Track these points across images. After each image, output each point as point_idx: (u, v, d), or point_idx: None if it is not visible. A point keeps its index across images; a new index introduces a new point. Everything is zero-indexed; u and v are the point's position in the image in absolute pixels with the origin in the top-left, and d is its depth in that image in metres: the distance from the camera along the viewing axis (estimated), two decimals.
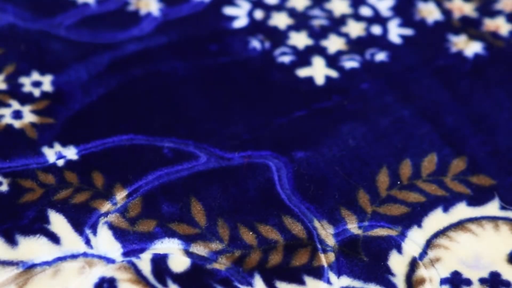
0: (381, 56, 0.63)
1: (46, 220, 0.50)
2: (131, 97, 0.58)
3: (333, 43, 0.64)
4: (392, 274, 0.48)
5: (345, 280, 0.48)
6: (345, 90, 0.60)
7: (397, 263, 0.49)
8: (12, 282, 0.46)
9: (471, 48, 0.64)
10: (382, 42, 0.64)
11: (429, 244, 0.50)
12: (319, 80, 0.61)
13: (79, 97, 0.58)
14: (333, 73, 0.61)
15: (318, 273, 0.48)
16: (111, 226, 0.50)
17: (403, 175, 0.54)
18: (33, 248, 0.48)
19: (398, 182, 0.53)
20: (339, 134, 0.56)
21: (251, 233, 0.50)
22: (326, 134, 0.56)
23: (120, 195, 0.51)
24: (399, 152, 0.55)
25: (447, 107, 0.59)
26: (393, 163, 0.54)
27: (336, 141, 0.56)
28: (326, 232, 0.50)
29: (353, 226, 0.51)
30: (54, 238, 0.49)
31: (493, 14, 0.68)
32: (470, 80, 0.61)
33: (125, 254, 0.48)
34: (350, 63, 0.62)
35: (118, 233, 0.49)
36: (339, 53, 0.63)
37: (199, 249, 0.49)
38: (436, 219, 0.51)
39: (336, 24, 0.66)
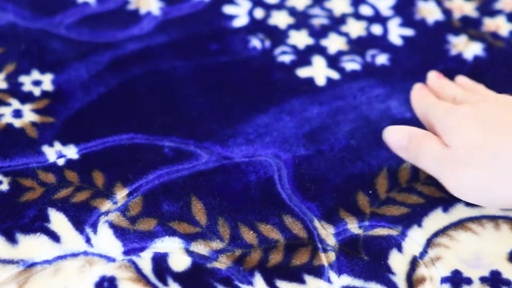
0: (382, 59, 0.63)
1: (47, 219, 0.50)
2: (131, 96, 0.58)
3: (334, 43, 0.64)
4: (393, 273, 0.48)
5: (346, 279, 0.48)
6: (346, 93, 0.60)
7: (398, 262, 0.49)
8: (13, 280, 0.46)
9: (471, 49, 0.64)
10: (382, 42, 0.64)
11: (429, 243, 0.50)
12: (320, 81, 0.61)
13: (79, 96, 0.58)
14: (334, 75, 0.61)
15: (319, 272, 0.48)
16: (112, 225, 0.50)
17: (401, 177, 0.54)
18: (33, 246, 0.48)
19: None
20: (340, 134, 0.56)
21: (251, 232, 0.50)
22: (327, 135, 0.56)
23: (121, 194, 0.51)
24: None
25: None
26: (393, 165, 0.54)
27: (337, 141, 0.56)
28: (327, 232, 0.50)
29: (353, 226, 0.51)
30: (55, 237, 0.49)
31: (493, 13, 0.68)
32: None
33: (126, 252, 0.48)
34: (351, 65, 0.62)
35: (118, 231, 0.49)
36: (340, 53, 0.63)
37: (200, 248, 0.49)
38: (436, 219, 0.51)
39: (336, 23, 0.66)
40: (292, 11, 0.67)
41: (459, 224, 0.51)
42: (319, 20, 0.66)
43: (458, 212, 0.52)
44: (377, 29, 0.66)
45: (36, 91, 0.58)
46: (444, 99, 0.55)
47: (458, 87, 0.57)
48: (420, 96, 0.56)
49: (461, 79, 0.59)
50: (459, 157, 0.48)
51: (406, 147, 0.51)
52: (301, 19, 0.66)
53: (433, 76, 0.59)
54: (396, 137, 0.52)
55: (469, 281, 0.48)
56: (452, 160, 0.48)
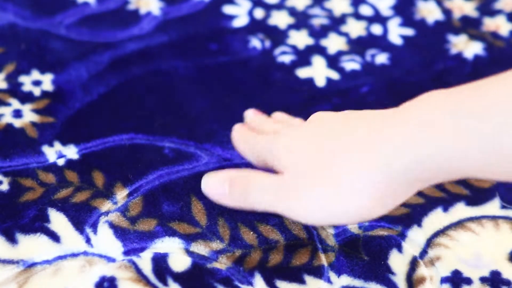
0: (381, 59, 0.63)
1: (47, 219, 0.50)
2: (131, 96, 0.58)
3: (333, 43, 0.64)
4: (393, 273, 0.48)
5: (346, 279, 0.48)
6: (345, 93, 0.60)
7: (398, 262, 0.49)
8: (13, 280, 0.46)
9: (471, 49, 0.64)
10: (382, 42, 0.64)
11: (429, 243, 0.50)
12: (320, 82, 0.61)
13: (79, 96, 0.58)
14: (334, 75, 0.61)
15: (319, 272, 0.48)
16: (112, 225, 0.50)
17: None
18: (33, 246, 0.48)
19: None
20: None
21: (251, 233, 0.50)
22: None
23: (121, 194, 0.51)
24: None
25: None
26: None
27: None
28: (327, 232, 0.50)
29: (353, 226, 0.51)
30: (55, 237, 0.49)
31: (493, 13, 0.68)
32: (470, 81, 0.61)
33: (126, 253, 0.48)
34: (351, 65, 0.62)
35: (118, 232, 0.49)
36: (340, 53, 0.63)
37: (200, 249, 0.49)
38: (436, 219, 0.51)
39: (336, 23, 0.66)
40: (292, 11, 0.67)
41: (459, 224, 0.51)
42: (319, 20, 0.66)
43: (458, 212, 0.52)
44: (377, 29, 0.66)
45: (36, 91, 0.58)
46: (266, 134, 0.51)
47: (277, 122, 0.53)
48: (241, 136, 0.51)
49: (278, 114, 0.55)
50: (297, 181, 0.44)
51: (228, 192, 0.47)
52: (301, 19, 0.66)
53: (251, 114, 0.55)
54: (213, 184, 0.47)
55: (469, 281, 0.48)
56: (290, 186, 0.45)
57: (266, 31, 0.65)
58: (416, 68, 0.62)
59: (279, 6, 0.67)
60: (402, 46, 0.64)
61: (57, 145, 0.54)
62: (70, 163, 0.53)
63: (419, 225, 0.51)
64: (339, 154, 0.43)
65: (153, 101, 0.58)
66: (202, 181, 0.48)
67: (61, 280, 0.47)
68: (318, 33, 0.65)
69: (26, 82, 0.59)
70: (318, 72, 0.62)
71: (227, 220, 0.50)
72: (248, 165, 0.54)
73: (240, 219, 0.50)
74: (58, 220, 0.50)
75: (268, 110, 0.58)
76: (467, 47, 0.64)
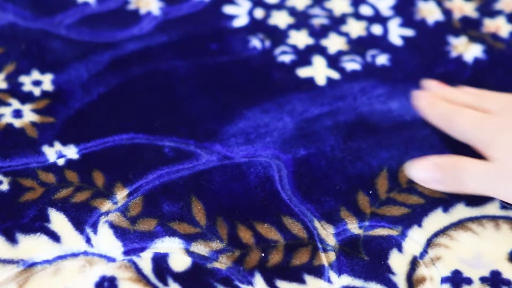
0: (382, 60, 0.63)
1: (47, 219, 0.50)
2: (131, 96, 0.58)
3: (334, 43, 0.64)
4: (393, 273, 0.48)
5: (346, 279, 0.48)
6: (346, 94, 0.60)
7: (398, 262, 0.49)
8: (13, 280, 0.46)
9: (471, 51, 0.64)
10: (382, 43, 0.64)
11: (429, 243, 0.50)
12: (320, 81, 0.61)
13: (79, 96, 0.58)
14: (334, 74, 0.61)
15: (319, 272, 0.48)
16: (112, 225, 0.50)
17: (402, 178, 0.54)
18: (33, 246, 0.48)
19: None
20: (340, 135, 0.56)
21: (251, 232, 0.50)
22: (327, 136, 0.56)
23: (121, 194, 0.51)
24: (400, 155, 0.55)
25: None
26: (394, 166, 0.54)
27: (338, 142, 0.56)
28: (327, 232, 0.50)
29: (353, 226, 0.51)
30: (55, 237, 0.49)
31: (494, 14, 0.68)
32: (469, 85, 0.61)
33: (126, 253, 0.48)
34: (351, 65, 0.62)
35: (118, 232, 0.49)
36: (340, 53, 0.63)
37: (200, 248, 0.49)
38: (436, 219, 0.52)
39: (336, 23, 0.66)
40: (292, 11, 0.67)
41: (459, 224, 0.51)
42: (319, 20, 0.66)
43: (458, 212, 0.52)
44: (377, 29, 0.66)
45: (36, 91, 0.58)
46: (458, 105, 0.55)
47: (466, 93, 0.56)
48: (431, 105, 0.56)
49: (462, 87, 0.59)
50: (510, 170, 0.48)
51: (441, 179, 0.51)
52: (301, 19, 0.66)
53: (435, 84, 0.59)
54: (425, 170, 0.52)
55: (469, 281, 0.48)
56: (504, 174, 0.48)
57: (266, 31, 0.65)
58: (416, 70, 0.62)
59: (279, 6, 0.67)
60: (402, 46, 0.64)
61: (57, 145, 0.54)
62: (70, 163, 0.53)
63: (419, 225, 0.51)
64: None
65: (153, 101, 0.58)
66: (409, 167, 0.53)
67: (61, 280, 0.47)
68: (318, 33, 0.65)
69: (26, 82, 0.59)
70: (319, 71, 0.62)
71: (226, 220, 0.50)
72: (250, 163, 0.54)
73: (239, 219, 0.50)
74: (58, 220, 0.50)
75: (268, 110, 0.58)
76: (467, 50, 0.64)
